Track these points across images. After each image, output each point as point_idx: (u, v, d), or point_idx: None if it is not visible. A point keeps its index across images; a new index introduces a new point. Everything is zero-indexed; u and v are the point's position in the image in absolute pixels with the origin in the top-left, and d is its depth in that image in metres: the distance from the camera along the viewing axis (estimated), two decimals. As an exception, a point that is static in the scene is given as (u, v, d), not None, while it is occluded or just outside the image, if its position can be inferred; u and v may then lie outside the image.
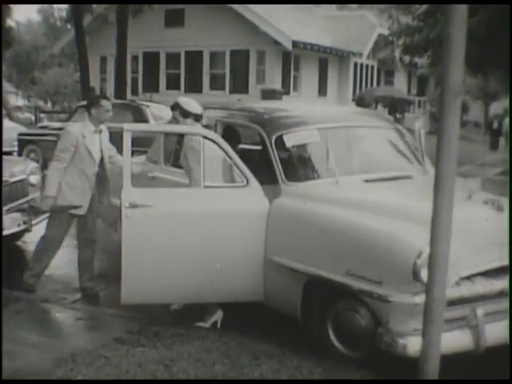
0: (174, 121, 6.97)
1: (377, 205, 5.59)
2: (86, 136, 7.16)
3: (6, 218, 8.46)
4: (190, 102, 6.96)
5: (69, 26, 41.88)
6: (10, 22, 38.12)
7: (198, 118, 6.88)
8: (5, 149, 18.62)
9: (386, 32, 28.46)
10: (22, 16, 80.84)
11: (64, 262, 8.15)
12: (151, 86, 28.67)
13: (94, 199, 7.36)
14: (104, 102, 7.27)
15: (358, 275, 5.22)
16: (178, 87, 28.45)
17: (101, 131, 7.32)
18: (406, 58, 27.45)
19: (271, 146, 6.32)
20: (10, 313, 6.57)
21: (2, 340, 5.52)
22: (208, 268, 6.04)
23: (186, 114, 6.85)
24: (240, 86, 27.06)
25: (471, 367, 5.26)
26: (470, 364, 5.21)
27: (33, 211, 8.49)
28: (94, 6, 28.41)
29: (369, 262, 5.19)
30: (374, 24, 32.66)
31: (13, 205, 8.38)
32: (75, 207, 7.16)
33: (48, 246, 7.36)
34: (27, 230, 8.87)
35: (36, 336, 6.02)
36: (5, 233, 8.43)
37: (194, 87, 27.89)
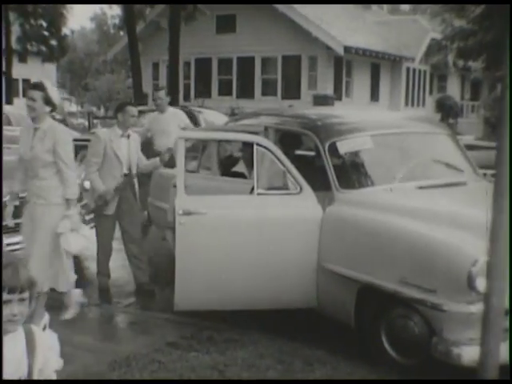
0: None
1: (431, 212, 5.53)
2: (113, 140, 7.43)
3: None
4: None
5: (122, 32, 42.44)
6: (64, 30, 38.82)
7: None
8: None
9: (438, 36, 28.23)
10: (75, 24, 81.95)
11: (117, 265, 8.23)
12: (203, 91, 28.83)
13: (125, 200, 7.54)
14: (129, 108, 7.56)
15: (411, 283, 5.17)
16: (229, 93, 28.57)
17: (129, 136, 7.54)
18: (460, 63, 27.17)
19: (325, 152, 6.29)
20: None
21: (2, 341, 5.56)
22: (261, 275, 6.05)
23: None
24: (292, 91, 27.06)
25: None
26: None
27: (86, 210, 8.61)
28: (147, 12, 28.76)
29: (423, 271, 5.13)
30: (426, 28, 32.40)
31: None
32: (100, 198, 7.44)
33: (98, 246, 7.72)
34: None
35: (90, 339, 6.10)
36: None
37: (246, 93, 27.97)
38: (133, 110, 7.57)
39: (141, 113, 10.92)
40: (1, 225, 7.74)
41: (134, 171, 7.61)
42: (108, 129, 7.80)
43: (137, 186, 7.73)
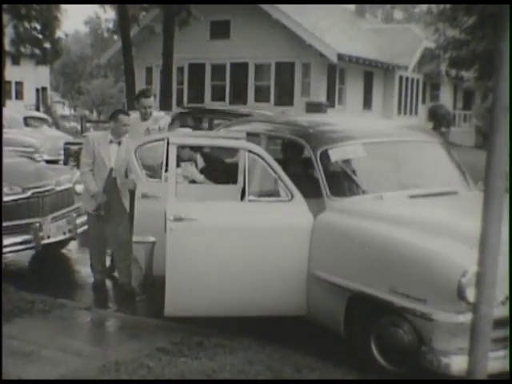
0: None
1: (422, 221, 5.54)
2: (101, 144, 7.69)
3: (52, 226, 8.58)
4: None
5: (115, 37, 42.42)
6: (58, 34, 38.76)
7: None
8: (51, 157, 18.90)
9: (432, 45, 28.32)
10: (69, 27, 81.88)
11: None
12: (196, 97, 28.83)
13: (112, 203, 7.71)
14: (121, 117, 7.70)
15: (401, 292, 5.18)
16: (222, 98, 28.57)
17: (119, 143, 7.71)
18: (453, 72, 27.20)
19: (316, 160, 6.30)
20: (54, 320, 6.66)
21: (1, 341, 5.57)
22: (251, 281, 6.06)
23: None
24: (285, 98, 27.09)
25: None
26: None
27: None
28: (141, 17, 28.75)
29: (413, 280, 5.14)
30: (420, 37, 32.52)
31: (59, 213, 8.48)
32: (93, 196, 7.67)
33: (90, 246, 8.04)
34: (72, 239, 8.98)
35: (79, 343, 6.08)
36: (51, 240, 8.56)
37: (239, 99, 27.97)
38: (125, 119, 7.71)
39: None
40: (1, 225, 7.79)
41: (121, 177, 7.69)
42: (101, 132, 7.92)
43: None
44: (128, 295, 7.73)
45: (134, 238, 6.81)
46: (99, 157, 7.65)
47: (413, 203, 6.17)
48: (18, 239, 8.33)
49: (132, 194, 7.46)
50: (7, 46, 35.34)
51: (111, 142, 7.70)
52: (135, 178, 7.24)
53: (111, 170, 7.66)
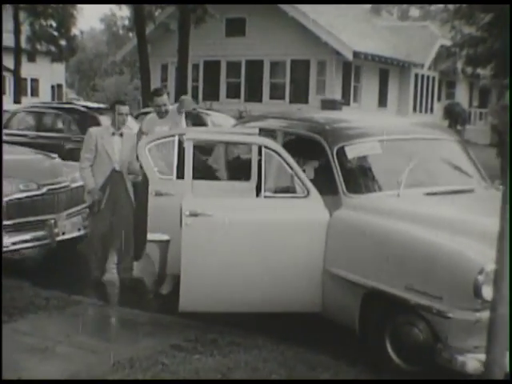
0: None
1: (438, 219, 5.51)
2: (104, 137, 7.74)
3: (67, 223, 8.59)
4: None
5: (131, 34, 42.47)
6: (74, 31, 38.88)
7: None
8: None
9: (448, 43, 28.20)
10: (85, 24, 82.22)
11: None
12: (211, 94, 28.83)
13: (117, 196, 7.78)
14: (119, 107, 7.81)
15: (417, 290, 5.15)
16: (237, 96, 28.57)
17: (121, 134, 7.80)
18: (469, 70, 27.10)
19: (333, 157, 6.28)
20: (68, 316, 6.66)
21: (1, 341, 5.57)
22: (266, 278, 6.04)
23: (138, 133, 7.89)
24: (300, 95, 27.05)
25: None
26: None
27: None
28: (156, 14, 28.77)
29: (429, 277, 5.11)
30: (436, 35, 32.38)
31: (74, 210, 8.48)
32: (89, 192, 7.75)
33: (89, 241, 8.13)
34: (87, 235, 8.99)
35: (94, 340, 6.08)
36: (65, 237, 8.58)
37: (254, 96, 27.96)
38: (122, 108, 7.82)
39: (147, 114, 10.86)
40: (1, 225, 7.81)
41: (125, 169, 7.80)
42: (101, 126, 8.00)
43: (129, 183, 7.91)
44: (130, 289, 7.76)
45: (149, 237, 6.79)
46: (103, 150, 7.69)
47: (429, 201, 6.14)
48: (33, 235, 8.35)
49: (135, 186, 7.58)
50: (23, 43, 35.47)
51: (113, 134, 7.77)
52: (148, 175, 7.22)
53: (116, 163, 7.72)
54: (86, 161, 7.74)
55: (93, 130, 8.13)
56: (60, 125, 15.14)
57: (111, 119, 7.88)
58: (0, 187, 7.94)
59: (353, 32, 28.00)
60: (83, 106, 15.86)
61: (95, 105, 17.44)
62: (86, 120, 14.74)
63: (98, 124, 14.57)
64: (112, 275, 7.93)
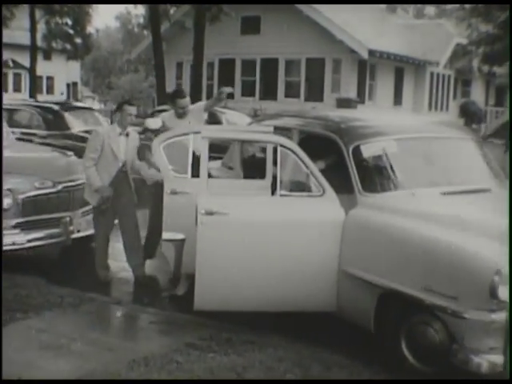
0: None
1: (454, 219, 5.48)
2: (111, 137, 7.69)
3: (82, 221, 8.62)
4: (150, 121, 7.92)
5: (146, 32, 42.54)
6: (89, 29, 39.02)
7: (157, 133, 7.76)
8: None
9: (463, 41, 28.06)
10: (100, 22, 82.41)
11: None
12: (226, 92, 28.77)
13: (122, 195, 7.79)
14: (127, 107, 7.79)
15: (433, 290, 5.13)
16: (252, 94, 28.54)
17: (127, 134, 7.78)
18: (485, 68, 27.00)
19: (348, 155, 6.26)
20: (83, 314, 6.68)
21: (1, 341, 5.58)
22: (281, 277, 6.03)
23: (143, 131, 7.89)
24: (315, 94, 27.00)
25: None
26: None
27: None
28: (171, 12, 28.81)
29: (445, 278, 5.09)
30: (451, 33, 32.22)
31: (88, 207, 8.49)
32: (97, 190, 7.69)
33: (96, 239, 8.12)
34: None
35: (109, 338, 6.10)
36: (80, 234, 8.62)
37: (269, 94, 27.93)
38: (130, 109, 7.80)
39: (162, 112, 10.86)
40: (1, 224, 7.86)
41: (130, 168, 7.82)
42: (108, 126, 8.02)
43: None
44: (144, 286, 7.80)
45: (164, 236, 6.79)
46: (109, 150, 7.66)
47: (445, 200, 6.11)
48: (49, 233, 8.39)
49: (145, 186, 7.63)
50: (39, 42, 35.61)
51: (120, 134, 7.76)
52: (163, 173, 7.21)
53: (123, 163, 7.73)
54: (90, 160, 7.68)
55: (100, 129, 8.16)
56: (28, 121, 15.23)
57: (118, 119, 7.85)
58: (0, 187, 7.98)
59: (368, 30, 27.90)
60: (49, 103, 16.00)
61: (61, 101, 17.67)
62: (52, 116, 14.93)
63: (63, 121, 14.84)
64: (127, 273, 7.97)
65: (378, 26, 30.63)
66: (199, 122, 8.12)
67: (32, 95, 33.14)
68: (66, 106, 16.32)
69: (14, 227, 8.11)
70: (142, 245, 8.10)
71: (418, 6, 52.82)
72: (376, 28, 29.59)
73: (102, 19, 65.69)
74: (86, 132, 14.10)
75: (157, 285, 7.84)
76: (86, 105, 18.29)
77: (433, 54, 30.64)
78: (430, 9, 54.01)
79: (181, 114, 8.24)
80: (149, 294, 7.56)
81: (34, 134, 14.38)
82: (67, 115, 15.44)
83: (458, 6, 31.87)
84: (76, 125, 15.17)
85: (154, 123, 7.89)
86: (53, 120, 14.97)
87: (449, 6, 49.94)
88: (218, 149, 7.73)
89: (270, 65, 28.24)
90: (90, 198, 7.84)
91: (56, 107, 15.65)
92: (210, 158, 6.39)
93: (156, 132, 7.79)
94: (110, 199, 7.67)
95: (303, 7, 26.31)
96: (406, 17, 40.31)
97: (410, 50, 29.73)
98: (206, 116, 8.41)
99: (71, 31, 38.19)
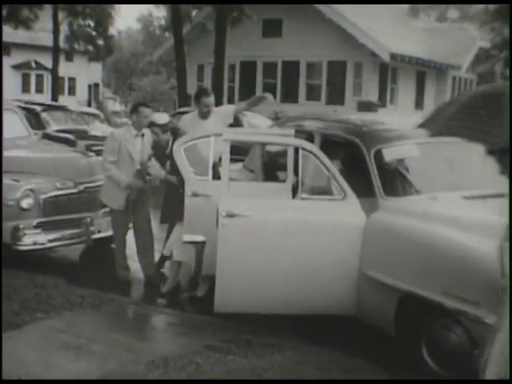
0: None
1: (475, 223, 5.43)
2: (128, 139, 7.74)
3: (103, 221, 8.65)
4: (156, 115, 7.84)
5: (167, 34, 42.69)
6: (111, 30, 39.24)
7: (163, 128, 7.79)
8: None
9: (486, 45, 27.90)
10: (122, 24, 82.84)
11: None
12: (247, 94, 28.72)
13: (138, 194, 7.80)
14: (142, 109, 7.82)
15: (454, 295, 5.09)
16: (273, 97, 28.49)
17: (143, 135, 7.82)
18: (508, 72, 26.78)
19: (370, 159, 6.24)
20: (103, 314, 6.70)
21: (1, 340, 5.60)
22: (301, 279, 6.02)
23: (150, 125, 7.74)
24: (336, 97, 26.98)
25: None
26: None
27: None
28: (193, 14, 28.88)
29: (467, 282, 5.05)
30: (474, 36, 32.07)
31: (109, 209, 8.52)
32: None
33: (115, 240, 8.18)
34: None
35: (128, 338, 6.09)
36: (101, 235, 8.65)
37: (290, 97, 27.93)
38: (146, 110, 7.84)
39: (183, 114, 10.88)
40: (0, 223, 7.92)
41: (145, 169, 7.88)
42: (123, 128, 8.06)
43: None
44: (154, 285, 7.86)
45: (185, 238, 6.80)
46: (126, 152, 7.71)
47: (467, 204, 6.06)
48: (70, 233, 8.44)
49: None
50: (61, 43, 35.83)
51: (136, 135, 7.80)
52: (184, 176, 7.19)
53: (138, 164, 7.77)
54: (110, 163, 7.73)
55: (115, 132, 8.18)
56: None
57: (133, 121, 7.88)
58: (0, 187, 8.04)
59: (390, 34, 27.85)
60: (26, 103, 16.14)
61: (41, 102, 17.95)
62: (32, 116, 15.02)
63: (39, 120, 14.96)
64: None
65: (400, 29, 30.56)
66: (223, 124, 7.97)
67: (54, 96, 33.35)
68: (44, 107, 16.60)
69: (36, 227, 8.17)
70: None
71: (441, 9, 52.60)
72: (398, 32, 29.53)
73: (124, 21, 66.08)
74: (60, 131, 14.69)
75: (164, 284, 7.87)
76: (63, 104, 18.65)
77: (455, 57, 30.52)
78: (453, 12, 53.80)
79: (205, 114, 8.08)
80: (168, 295, 7.57)
81: None
82: (44, 115, 15.84)
83: (481, 9, 31.66)
84: (52, 124, 15.63)
85: (160, 118, 7.86)
86: (31, 120, 15.14)
87: (472, 9, 49.69)
88: (239, 151, 7.73)
89: (291, 67, 28.24)
90: (114, 202, 7.86)
91: (35, 107, 15.93)
92: (232, 160, 6.41)
93: (163, 127, 7.75)
94: (142, 191, 7.76)
95: (325, 10, 26.28)
96: (428, 21, 40.25)
97: (432, 53, 29.64)
98: (232, 119, 8.28)
99: (93, 33, 38.46)
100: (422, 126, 5.46)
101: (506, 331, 4.20)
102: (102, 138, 17.54)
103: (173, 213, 7.51)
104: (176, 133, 7.70)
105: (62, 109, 17.70)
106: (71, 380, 5.07)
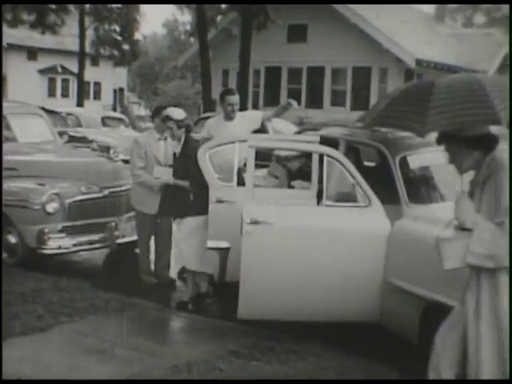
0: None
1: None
2: (152, 144, 7.83)
3: (127, 226, 8.69)
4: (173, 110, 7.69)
5: (192, 39, 42.85)
6: (137, 35, 39.46)
7: (179, 124, 7.45)
8: (128, 157, 19.15)
9: (514, 50, 27.71)
10: (147, 29, 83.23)
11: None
12: (272, 100, 28.82)
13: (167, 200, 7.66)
14: (163, 112, 7.75)
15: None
16: (298, 102, 28.46)
17: (166, 138, 7.85)
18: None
19: (395, 166, 6.22)
20: (127, 318, 6.72)
21: (1, 340, 5.62)
22: (325, 287, 6.00)
23: (165, 119, 7.54)
24: (361, 103, 26.89)
25: None
26: None
27: None
28: (218, 19, 28.96)
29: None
30: (501, 42, 31.83)
31: (133, 213, 8.55)
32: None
33: (140, 244, 8.16)
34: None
35: (151, 343, 6.11)
36: (125, 240, 8.69)
37: (315, 103, 27.92)
38: None
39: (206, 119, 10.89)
40: (1, 228, 7.97)
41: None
42: (146, 133, 8.09)
43: None
44: (166, 287, 8.01)
45: (209, 244, 6.79)
46: (152, 157, 7.78)
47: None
48: (94, 237, 8.50)
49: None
50: (87, 48, 36.09)
51: (159, 139, 7.88)
52: (209, 182, 7.17)
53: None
54: (139, 169, 7.78)
55: (139, 137, 8.21)
56: None
57: (156, 124, 7.96)
58: (0, 188, 8.10)
59: (416, 39, 27.75)
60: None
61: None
62: None
63: None
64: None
65: (426, 35, 30.43)
66: (248, 129, 7.92)
67: (79, 101, 33.60)
68: None
69: (60, 231, 8.23)
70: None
71: (467, 14, 52.30)
72: (423, 37, 29.40)
73: (150, 26, 66.45)
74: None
75: (174, 288, 8.06)
76: (51, 108, 18.91)
77: (481, 63, 30.30)
78: (480, 17, 53.51)
79: (229, 113, 8.02)
80: (192, 300, 7.58)
81: None
82: None
83: (507, 14, 31.42)
84: None
85: (177, 113, 7.66)
86: None
87: (499, 14, 49.36)
88: (263, 157, 7.74)
89: (316, 73, 28.23)
90: (147, 207, 7.82)
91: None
92: (256, 166, 6.41)
93: (178, 122, 7.49)
94: (153, 203, 7.70)
95: (350, 15, 26.24)
96: (454, 26, 40.01)
97: (458, 59, 29.46)
98: (259, 125, 8.23)
99: (119, 38, 38.69)
100: (359, 120, 5.54)
101: (506, 331, 4.18)
102: (80, 139, 18.00)
103: (167, 211, 7.61)
104: (189, 131, 7.61)
105: (51, 112, 17.90)
106: (73, 380, 5.10)
